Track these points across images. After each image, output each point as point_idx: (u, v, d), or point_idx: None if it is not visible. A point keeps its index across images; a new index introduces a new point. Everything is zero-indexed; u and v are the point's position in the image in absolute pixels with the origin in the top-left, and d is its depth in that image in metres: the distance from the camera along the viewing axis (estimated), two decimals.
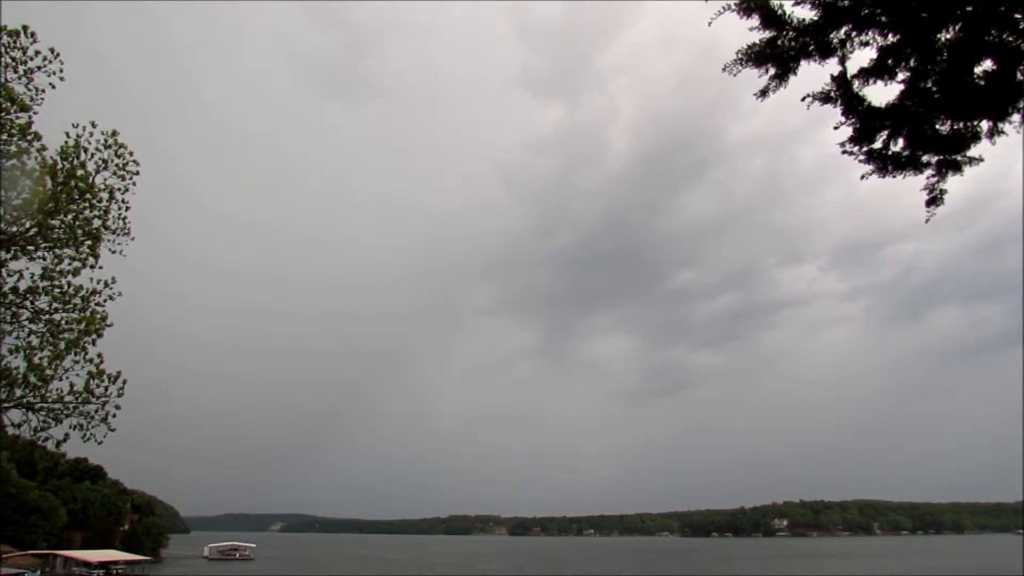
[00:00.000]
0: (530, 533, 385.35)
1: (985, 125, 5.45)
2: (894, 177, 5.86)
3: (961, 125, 5.50)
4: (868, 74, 5.47)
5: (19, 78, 12.98)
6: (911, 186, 6.14)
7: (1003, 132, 5.37)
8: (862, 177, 6.04)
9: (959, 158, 5.69)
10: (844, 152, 5.85)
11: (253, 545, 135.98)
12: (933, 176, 5.82)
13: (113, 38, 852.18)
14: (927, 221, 6.12)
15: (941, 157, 5.73)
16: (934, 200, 5.94)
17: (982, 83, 5.20)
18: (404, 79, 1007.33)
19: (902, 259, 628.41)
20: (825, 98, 5.63)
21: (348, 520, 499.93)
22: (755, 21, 5.35)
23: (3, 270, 13.60)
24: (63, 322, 13.96)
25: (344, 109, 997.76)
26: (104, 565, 75.20)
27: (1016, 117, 5.26)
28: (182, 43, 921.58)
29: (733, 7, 5.28)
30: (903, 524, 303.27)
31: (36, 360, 13.72)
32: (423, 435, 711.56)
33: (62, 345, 13.75)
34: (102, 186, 14.26)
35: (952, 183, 5.87)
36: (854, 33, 5.28)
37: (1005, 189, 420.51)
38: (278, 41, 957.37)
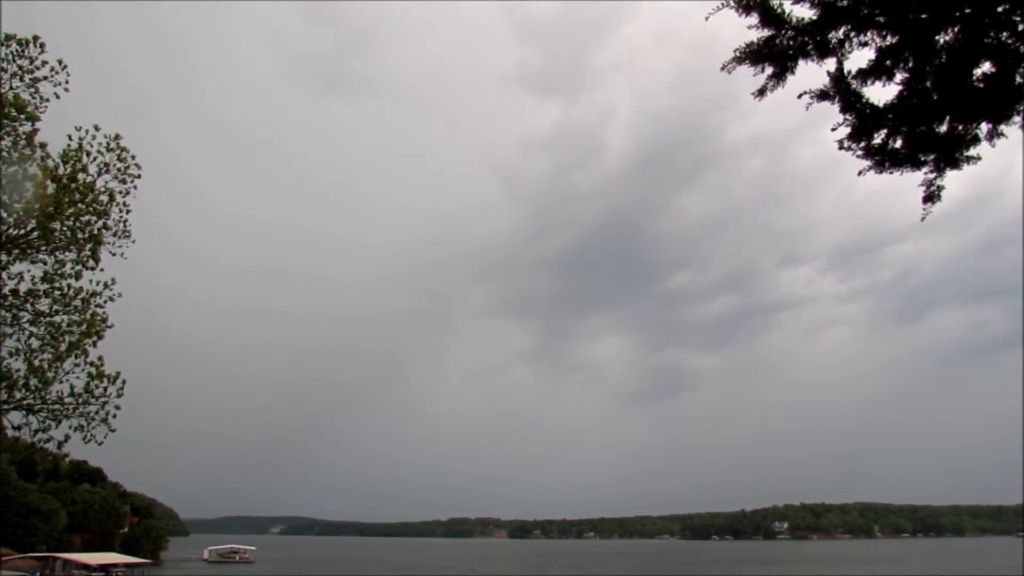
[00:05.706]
0: (530, 536, 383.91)
1: (984, 127, 5.39)
2: (891, 173, 5.75)
3: (960, 127, 5.45)
4: (866, 74, 5.44)
5: (25, 87, 13.07)
6: (910, 187, 6.00)
7: (1003, 134, 5.30)
8: (859, 173, 5.96)
9: (957, 155, 5.61)
10: (842, 148, 5.73)
11: (252, 548, 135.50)
12: (930, 172, 5.69)
13: (113, 37, 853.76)
14: (923, 219, 5.97)
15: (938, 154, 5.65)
16: (931, 197, 5.78)
17: (981, 85, 5.18)
18: (400, 77, 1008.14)
19: (901, 260, 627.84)
20: (822, 95, 5.56)
21: (348, 523, 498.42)
22: (754, 19, 5.30)
23: (3, 273, 13.61)
24: (64, 324, 13.95)
25: (341, 107, 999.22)
26: (104, 568, 74.94)
27: (1015, 119, 5.23)
28: (184, 41, 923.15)
29: (731, 4, 5.22)
30: (904, 527, 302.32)
31: (36, 362, 13.72)
32: (422, 437, 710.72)
33: (63, 347, 13.75)
34: (103, 189, 14.26)
35: (951, 183, 5.76)
36: (853, 33, 5.25)
37: (1005, 189, 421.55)
38: (276, 40, 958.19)
